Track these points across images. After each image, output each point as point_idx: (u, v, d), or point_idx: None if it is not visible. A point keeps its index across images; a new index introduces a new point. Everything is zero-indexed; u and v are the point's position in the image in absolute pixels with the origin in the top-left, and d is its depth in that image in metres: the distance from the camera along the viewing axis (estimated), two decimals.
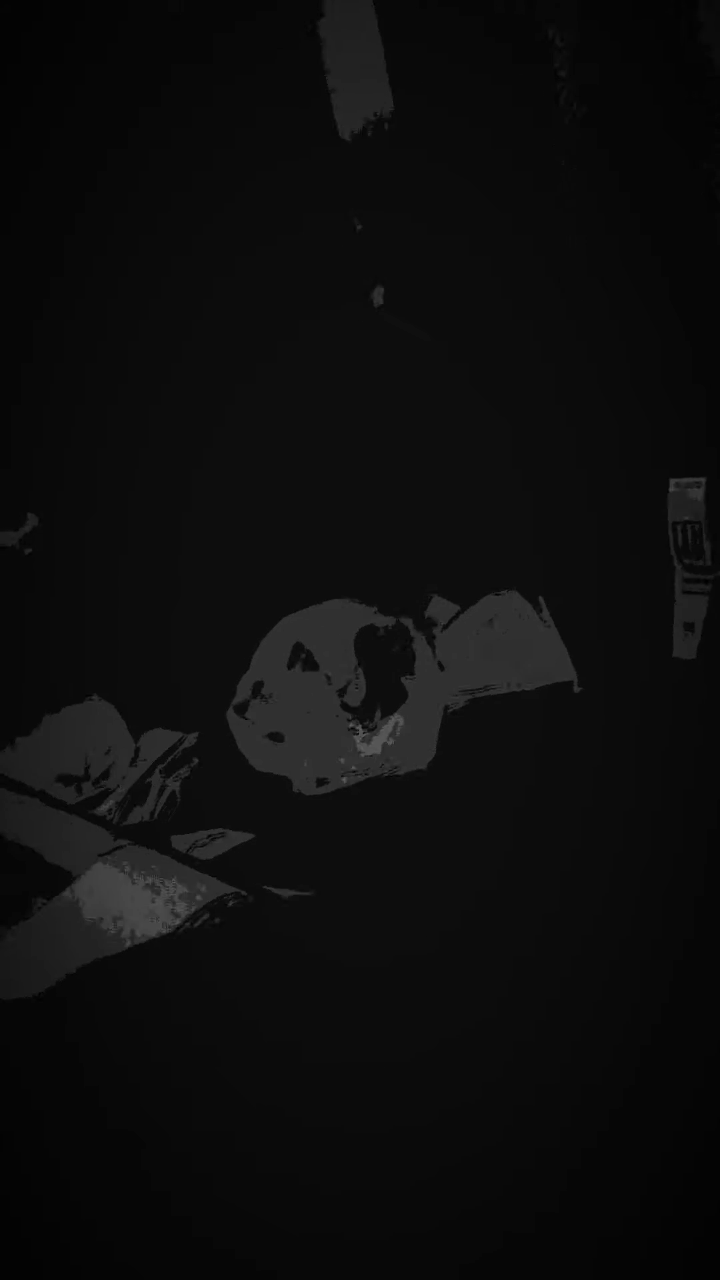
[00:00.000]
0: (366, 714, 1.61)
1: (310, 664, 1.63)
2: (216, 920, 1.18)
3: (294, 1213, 0.86)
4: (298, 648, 1.65)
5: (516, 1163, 0.90)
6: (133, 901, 1.18)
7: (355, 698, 1.61)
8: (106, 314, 1.91)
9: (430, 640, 1.72)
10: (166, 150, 1.81)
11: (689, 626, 1.57)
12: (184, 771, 1.68)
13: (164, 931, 1.15)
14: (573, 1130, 0.93)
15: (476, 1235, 0.84)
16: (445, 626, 1.80)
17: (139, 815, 1.64)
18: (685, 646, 1.58)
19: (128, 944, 1.14)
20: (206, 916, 1.17)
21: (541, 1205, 0.87)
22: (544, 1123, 0.94)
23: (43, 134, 1.81)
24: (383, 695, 1.63)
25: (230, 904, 1.18)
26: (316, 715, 1.61)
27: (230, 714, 1.67)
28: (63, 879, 1.24)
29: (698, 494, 1.53)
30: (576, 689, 1.67)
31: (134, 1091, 0.96)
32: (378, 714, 1.61)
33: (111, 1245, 0.84)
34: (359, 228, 1.66)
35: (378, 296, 1.74)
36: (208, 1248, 0.83)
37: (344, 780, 1.55)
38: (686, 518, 1.54)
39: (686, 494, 1.54)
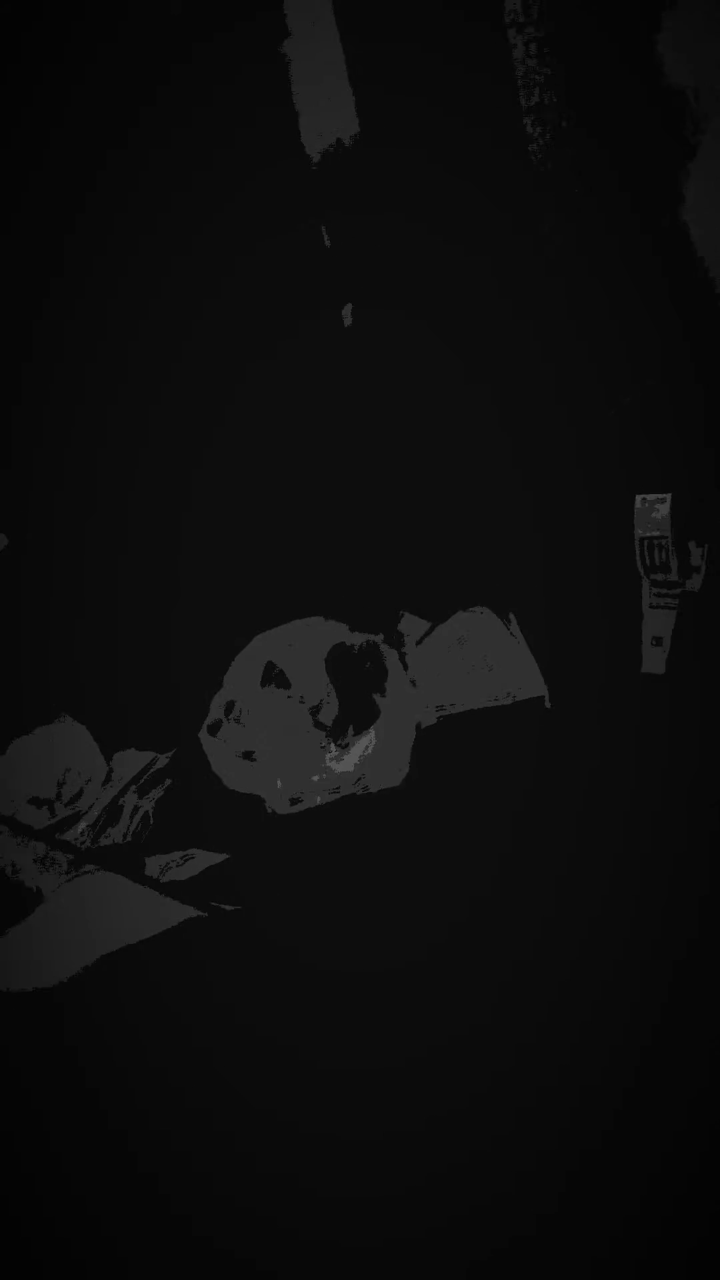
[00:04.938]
0: (339, 732, 1.61)
1: (282, 682, 1.62)
2: (206, 931, 1.18)
3: (293, 1214, 0.86)
4: (270, 666, 1.65)
5: (517, 1164, 0.90)
6: (118, 914, 1.18)
7: (328, 716, 1.60)
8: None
9: (402, 657, 1.72)
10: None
11: (657, 640, 1.58)
12: (157, 792, 1.66)
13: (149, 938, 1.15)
14: (572, 1132, 0.93)
15: (479, 1235, 0.85)
16: (417, 643, 1.80)
17: (112, 837, 1.63)
18: (654, 661, 1.58)
19: (121, 947, 1.14)
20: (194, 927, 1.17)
21: (542, 1206, 0.87)
22: (544, 1125, 0.94)
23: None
24: (355, 713, 1.63)
25: (217, 916, 1.19)
26: (289, 734, 1.61)
27: (203, 734, 1.67)
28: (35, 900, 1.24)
29: (663, 509, 1.53)
30: (547, 705, 1.67)
31: (133, 1094, 0.96)
32: (350, 731, 1.61)
33: (114, 1242, 0.84)
34: (327, 243, 1.65)
35: (347, 316, 1.74)
36: (207, 1247, 0.83)
37: (318, 799, 1.55)
38: (653, 533, 1.54)
39: (653, 510, 1.55)
